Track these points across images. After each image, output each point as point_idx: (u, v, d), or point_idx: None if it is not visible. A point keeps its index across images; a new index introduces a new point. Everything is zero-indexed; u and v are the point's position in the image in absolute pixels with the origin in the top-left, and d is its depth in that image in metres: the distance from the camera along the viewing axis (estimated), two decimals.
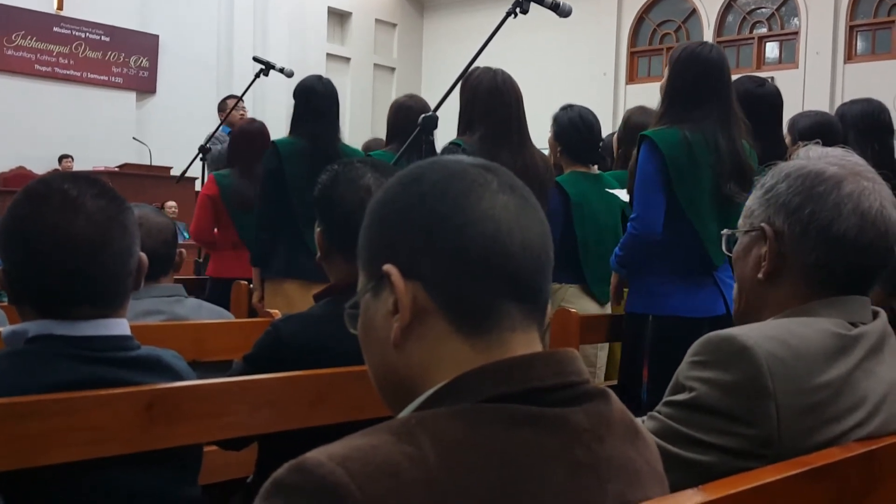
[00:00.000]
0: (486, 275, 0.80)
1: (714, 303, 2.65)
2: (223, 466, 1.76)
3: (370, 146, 4.53)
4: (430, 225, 0.82)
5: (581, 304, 3.22)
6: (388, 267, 0.82)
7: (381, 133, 5.58)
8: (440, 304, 0.81)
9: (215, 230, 4.02)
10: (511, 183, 0.85)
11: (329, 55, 12.83)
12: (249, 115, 5.72)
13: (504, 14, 2.88)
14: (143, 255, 1.35)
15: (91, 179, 1.31)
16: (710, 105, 2.64)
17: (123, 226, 1.28)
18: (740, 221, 1.33)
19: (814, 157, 1.26)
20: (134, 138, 10.11)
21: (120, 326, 1.30)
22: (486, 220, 0.81)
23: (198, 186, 7.17)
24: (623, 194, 3.26)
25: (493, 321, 0.81)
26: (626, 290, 2.94)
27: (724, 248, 1.38)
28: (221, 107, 6.42)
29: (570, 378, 0.80)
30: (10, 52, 10.08)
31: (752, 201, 1.30)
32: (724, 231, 1.38)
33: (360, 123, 12.06)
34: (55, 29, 10.40)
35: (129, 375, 1.29)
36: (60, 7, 10.42)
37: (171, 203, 8.34)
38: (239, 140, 4.08)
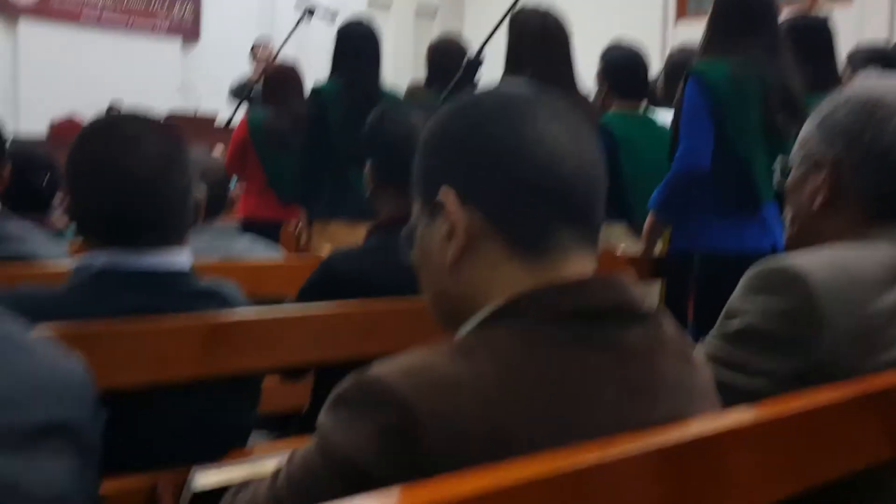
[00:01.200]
0: (539, 198, 0.82)
1: (761, 238, 2.62)
2: (280, 398, 1.82)
3: (413, 92, 4.53)
4: (484, 150, 0.83)
5: (627, 241, 3.22)
6: (443, 191, 0.83)
7: (420, 77, 5.55)
8: (495, 226, 0.82)
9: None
10: (563, 110, 0.86)
11: (370, 1, 12.71)
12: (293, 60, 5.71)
13: None
14: (202, 188, 1.39)
15: (148, 118, 1.35)
16: (757, 35, 2.59)
17: (181, 161, 1.32)
18: (794, 149, 1.32)
19: (871, 83, 1.23)
20: (181, 84, 10.19)
21: (183, 254, 1.34)
22: (539, 144, 0.82)
23: None
24: (661, 118, 3.22)
25: (547, 243, 0.82)
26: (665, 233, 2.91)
27: (777, 174, 1.36)
28: (253, 51, 6.43)
29: (624, 297, 0.82)
30: (56, 3, 10.16)
31: (808, 129, 1.28)
32: (780, 157, 1.37)
33: (402, 68, 11.98)
34: None
35: (192, 305, 1.33)
36: None
37: (220, 145, 8.42)
38: (271, 79, 4.08)
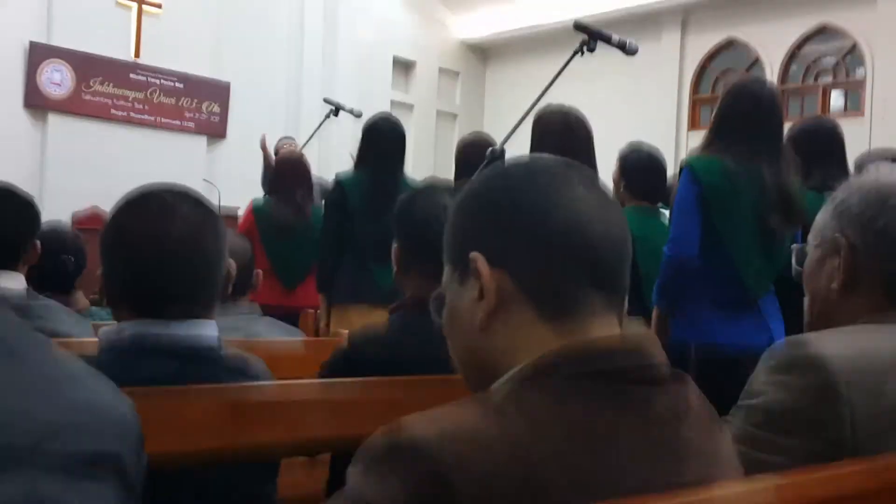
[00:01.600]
0: (567, 262, 0.85)
1: (758, 333, 2.62)
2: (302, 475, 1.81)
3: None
4: (515, 215, 0.86)
5: None
6: (474, 254, 0.86)
7: (444, 176, 5.67)
8: (524, 289, 0.85)
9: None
10: (591, 179, 0.90)
11: (393, 102, 13.09)
12: (317, 155, 5.87)
13: (570, 54, 2.95)
14: (232, 262, 1.43)
15: (185, 189, 1.40)
16: (758, 139, 2.64)
17: (215, 231, 1.36)
18: (810, 236, 1.35)
19: (884, 172, 1.28)
20: (204, 180, 10.41)
21: (210, 327, 1.36)
22: (568, 210, 0.85)
23: None
24: None
25: (574, 307, 0.85)
26: None
27: (794, 263, 1.40)
28: (277, 148, 6.61)
29: (650, 360, 0.83)
30: (87, 97, 10.50)
31: (824, 215, 1.32)
32: (795, 245, 1.40)
33: (423, 168, 12.23)
34: (132, 76, 10.81)
35: (217, 374, 1.35)
36: (137, 55, 10.85)
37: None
38: (278, 168, 4.20)
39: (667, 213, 3.47)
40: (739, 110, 2.67)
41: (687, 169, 2.64)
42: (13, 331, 0.51)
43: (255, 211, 4.08)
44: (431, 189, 1.75)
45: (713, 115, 2.77)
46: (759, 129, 2.65)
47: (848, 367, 1.09)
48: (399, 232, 1.75)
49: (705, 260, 2.61)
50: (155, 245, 1.30)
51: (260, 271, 2.37)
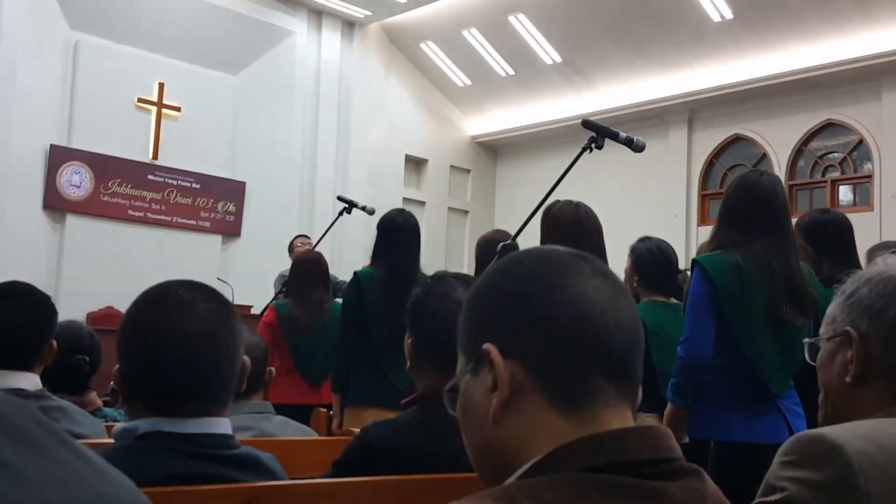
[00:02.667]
0: (580, 353, 0.85)
1: (778, 430, 2.58)
2: None
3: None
4: (527, 306, 0.87)
5: None
6: (487, 346, 0.87)
7: (455, 271, 5.69)
8: (537, 380, 0.85)
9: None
10: (603, 269, 0.91)
11: (405, 199, 13.28)
12: (330, 252, 5.94)
13: (579, 150, 3.02)
14: (247, 359, 1.43)
15: (202, 285, 1.42)
16: (764, 230, 2.66)
17: (231, 327, 1.37)
18: (822, 329, 1.35)
19: (892, 263, 1.29)
20: (218, 279, 10.49)
21: (223, 425, 1.36)
22: (581, 300, 0.86)
23: None
24: None
25: (588, 397, 0.85)
26: None
27: (807, 357, 1.39)
28: (291, 246, 6.69)
29: (664, 453, 0.83)
30: (105, 198, 10.71)
31: (834, 308, 1.32)
32: (807, 339, 1.40)
33: (435, 264, 12.31)
34: (149, 177, 11.05)
35: (230, 473, 1.34)
36: (156, 156, 11.11)
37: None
38: (295, 269, 4.25)
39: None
40: (742, 203, 2.70)
41: (698, 268, 2.65)
42: (35, 423, 0.52)
43: (277, 311, 4.13)
44: (445, 283, 1.76)
45: (720, 210, 2.80)
46: (763, 220, 2.67)
47: (866, 460, 1.07)
48: (412, 327, 1.75)
49: (722, 357, 2.59)
50: (172, 343, 1.31)
51: (273, 369, 2.38)
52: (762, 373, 2.58)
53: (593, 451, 0.81)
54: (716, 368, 2.62)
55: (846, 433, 1.12)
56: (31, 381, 1.93)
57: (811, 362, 1.36)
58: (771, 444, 2.59)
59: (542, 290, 0.87)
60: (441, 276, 1.80)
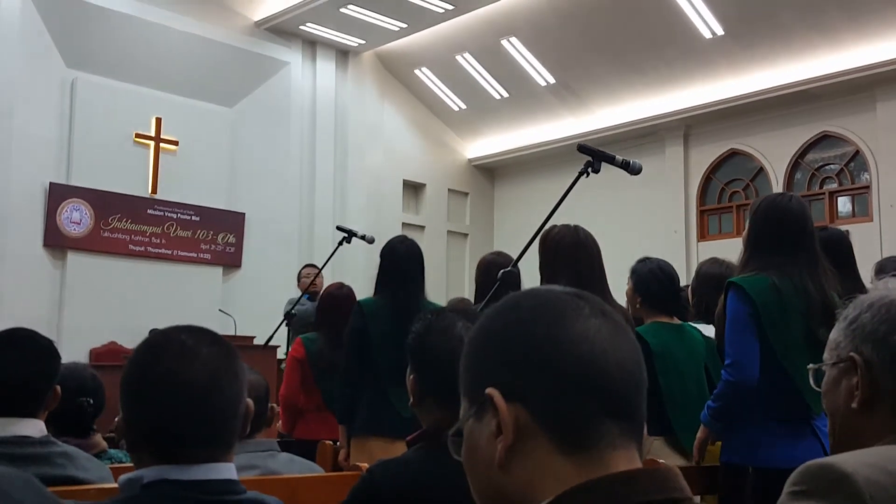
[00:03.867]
0: (583, 394, 0.85)
1: (815, 453, 2.57)
2: None
3: (455, 306, 4.64)
4: (528, 348, 0.87)
5: (667, 458, 3.15)
6: (490, 390, 0.87)
7: (456, 295, 5.69)
8: (541, 423, 0.85)
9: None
10: (602, 308, 0.91)
11: (404, 224, 13.30)
12: (329, 281, 5.94)
13: (576, 175, 3.03)
14: (250, 402, 1.43)
15: (203, 329, 1.42)
16: (795, 253, 2.66)
17: (234, 372, 1.37)
18: (826, 355, 1.35)
19: (893, 286, 1.29)
20: (220, 310, 10.47)
21: (228, 471, 1.36)
22: (581, 341, 0.86)
23: (280, 354, 7.36)
24: (707, 329, 3.25)
25: (593, 439, 0.84)
26: (714, 444, 2.87)
27: (811, 383, 1.39)
28: (300, 275, 6.68)
29: (673, 494, 0.83)
30: (106, 234, 10.73)
31: (836, 333, 1.32)
32: (811, 366, 1.40)
33: (436, 287, 12.29)
34: (149, 211, 11.07)
35: None
36: (154, 191, 11.14)
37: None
38: (325, 304, 4.24)
39: (687, 326, 3.45)
40: (771, 227, 2.70)
41: (735, 289, 2.63)
42: (39, 498, 0.52)
43: (306, 348, 4.10)
44: (445, 318, 1.75)
45: (745, 234, 2.79)
46: (793, 243, 2.67)
47: (875, 489, 1.07)
48: (414, 363, 1.75)
49: (762, 378, 2.58)
50: (175, 390, 1.31)
51: (275, 405, 2.37)
52: (802, 391, 2.56)
53: (601, 495, 0.80)
54: (751, 389, 2.60)
55: (854, 461, 1.11)
56: (36, 427, 1.93)
57: (816, 388, 1.36)
58: None
59: (542, 332, 0.87)
60: (440, 312, 1.80)
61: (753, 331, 2.59)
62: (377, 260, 3.77)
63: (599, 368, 0.85)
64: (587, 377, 0.85)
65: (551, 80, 12.32)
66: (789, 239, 2.68)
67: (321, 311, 4.26)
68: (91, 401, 2.50)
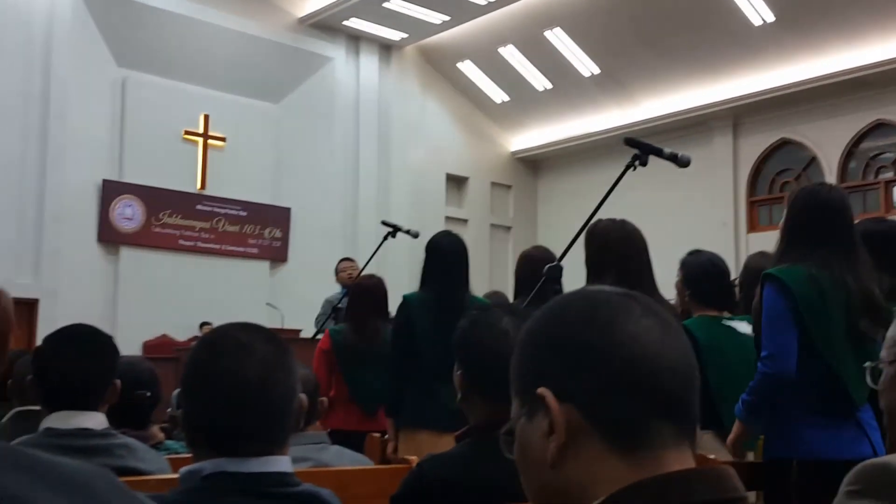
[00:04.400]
0: (635, 394, 0.85)
1: (859, 444, 2.53)
2: None
3: (492, 299, 4.65)
4: (579, 349, 0.88)
5: (717, 452, 3.13)
6: (542, 390, 0.87)
7: (499, 288, 5.69)
8: (593, 423, 0.85)
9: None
10: (653, 308, 0.91)
11: (447, 218, 13.33)
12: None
13: (622, 168, 3.01)
14: (303, 396, 1.46)
15: (258, 327, 1.45)
16: (832, 244, 2.61)
17: (288, 368, 1.41)
18: (883, 353, 1.33)
19: None
20: (267, 304, 10.62)
21: (283, 463, 1.39)
22: (632, 342, 0.87)
23: None
24: (743, 327, 3.21)
25: (645, 439, 0.85)
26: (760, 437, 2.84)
27: (868, 381, 1.37)
28: (337, 269, 6.71)
29: (728, 494, 0.83)
30: (156, 230, 10.95)
31: (895, 331, 1.30)
32: (868, 364, 1.38)
33: (479, 280, 12.29)
34: (198, 207, 11.27)
35: None
36: (203, 186, 11.33)
37: None
38: (354, 294, 4.26)
39: (738, 323, 3.41)
40: (810, 218, 2.65)
41: (773, 281, 2.59)
42: (119, 492, 0.55)
43: (333, 339, 4.14)
44: (490, 314, 1.77)
45: (782, 225, 2.75)
46: (832, 234, 2.63)
47: None
48: (460, 360, 1.77)
49: (802, 371, 2.54)
50: (232, 387, 1.35)
51: (325, 399, 2.41)
52: (845, 383, 2.53)
53: (655, 494, 0.81)
54: (792, 384, 2.57)
55: None
56: (97, 420, 1.99)
57: (873, 386, 1.34)
58: (854, 459, 2.53)
59: (594, 333, 0.87)
60: (485, 307, 1.82)
61: (791, 323, 2.55)
62: (420, 254, 3.79)
63: (651, 369, 0.86)
64: (639, 377, 0.85)
65: (596, 71, 12.22)
66: (827, 230, 2.63)
67: (350, 301, 4.28)
68: (148, 394, 2.56)
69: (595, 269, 3.06)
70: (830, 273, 2.57)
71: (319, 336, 5.03)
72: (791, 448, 2.58)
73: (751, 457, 3.16)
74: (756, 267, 3.48)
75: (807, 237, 2.64)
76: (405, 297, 3.69)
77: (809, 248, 2.62)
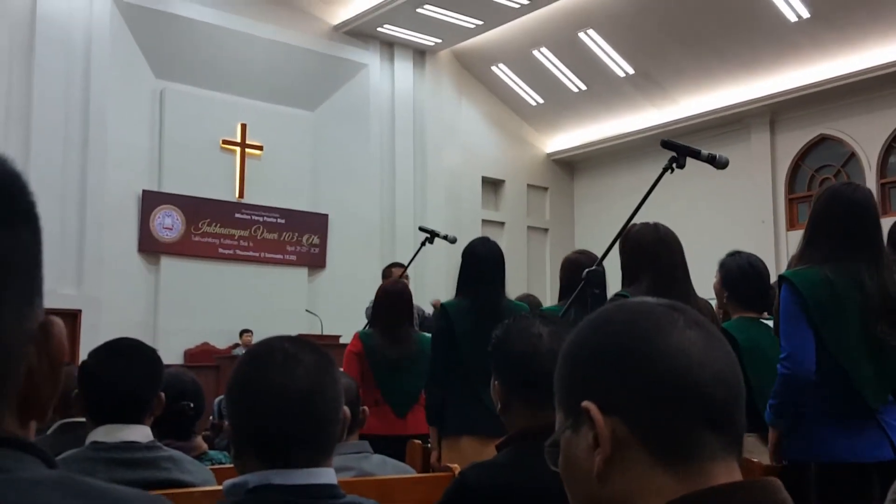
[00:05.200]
0: (681, 406, 0.85)
1: (880, 446, 2.48)
2: None
3: (528, 302, 4.64)
4: (623, 362, 0.87)
5: (760, 454, 3.09)
6: (586, 403, 0.87)
7: (536, 291, 5.67)
8: (639, 435, 0.85)
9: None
10: (697, 319, 0.91)
11: (484, 221, 13.33)
12: (412, 280, 5.99)
13: (660, 171, 2.99)
14: (347, 409, 1.47)
15: (303, 339, 1.47)
16: (856, 245, 2.57)
17: (333, 378, 1.42)
18: None
19: None
20: (306, 310, 10.70)
21: (329, 475, 1.40)
22: (677, 353, 0.86)
23: None
24: None
25: (692, 451, 0.84)
26: None
27: None
28: (385, 274, 6.72)
29: None
30: (196, 239, 11.08)
31: None
32: None
33: (516, 283, 12.28)
34: (236, 215, 11.39)
35: None
36: (241, 195, 11.45)
37: None
38: (380, 299, 4.28)
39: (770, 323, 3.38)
40: (833, 217, 2.62)
41: (786, 284, 2.58)
42: None
43: (363, 343, 4.17)
44: (522, 320, 1.78)
45: (806, 224, 2.72)
46: (855, 235, 2.59)
47: None
48: (497, 369, 1.77)
49: (819, 373, 2.52)
50: (279, 395, 1.36)
51: (366, 408, 2.42)
52: (860, 387, 2.50)
53: None
54: (808, 383, 2.55)
55: None
56: (142, 433, 2.02)
57: None
58: (875, 463, 2.49)
59: (638, 344, 0.87)
60: (518, 315, 1.83)
61: (805, 324, 2.53)
62: (458, 259, 3.80)
63: (696, 380, 0.85)
64: (684, 389, 0.85)
65: (630, 71, 12.15)
66: (850, 230, 2.58)
67: (375, 306, 4.30)
68: (192, 405, 2.60)
69: (629, 272, 3.05)
70: (848, 274, 2.53)
71: None
72: (810, 450, 2.55)
73: None
74: None
75: (829, 237, 2.60)
76: (443, 305, 3.70)
77: (829, 249, 2.58)
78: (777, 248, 11.11)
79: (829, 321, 2.52)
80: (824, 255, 2.57)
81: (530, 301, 4.55)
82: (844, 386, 2.52)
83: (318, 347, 1.45)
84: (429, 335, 4.00)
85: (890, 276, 2.56)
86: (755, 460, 2.51)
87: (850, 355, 2.52)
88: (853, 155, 11.08)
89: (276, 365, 1.39)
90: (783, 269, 3.78)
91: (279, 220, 11.66)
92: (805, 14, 10.28)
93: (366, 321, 5.47)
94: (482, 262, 3.69)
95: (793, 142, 11.59)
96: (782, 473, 2.61)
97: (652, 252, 3.02)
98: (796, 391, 2.54)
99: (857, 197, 2.63)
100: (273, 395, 1.37)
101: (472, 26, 11.86)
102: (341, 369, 4.76)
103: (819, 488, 2.47)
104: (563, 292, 3.71)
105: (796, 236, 11.33)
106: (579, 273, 3.39)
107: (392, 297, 4.27)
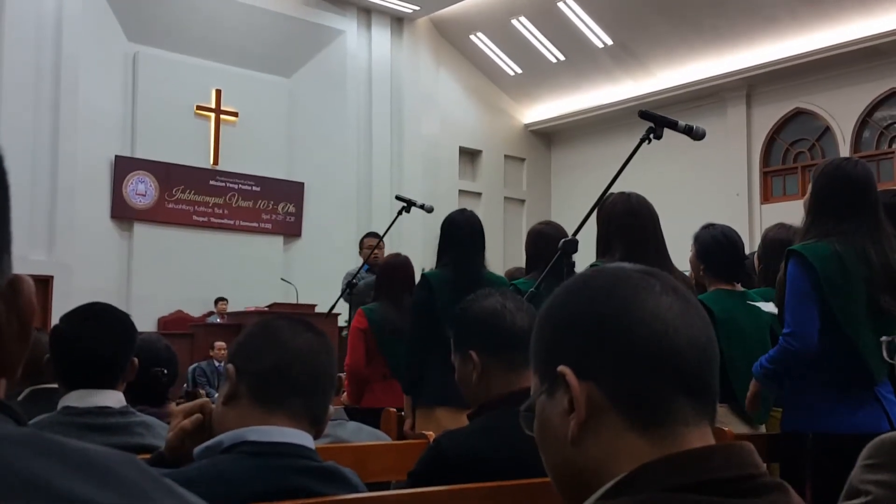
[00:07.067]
0: (655, 371, 0.85)
1: (877, 419, 2.53)
2: None
3: (513, 274, 4.65)
4: (599, 327, 0.88)
5: (732, 425, 3.13)
6: (562, 368, 0.88)
7: (513, 262, 5.69)
8: (614, 400, 0.86)
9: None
10: (673, 285, 0.91)
11: (461, 191, 13.31)
12: (388, 250, 5.96)
13: (637, 139, 2.99)
14: (342, 375, 1.50)
15: (299, 317, 1.55)
16: (858, 219, 2.61)
17: (329, 348, 1.49)
18: None
19: None
20: (282, 279, 10.65)
21: (306, 439, 1.41)
22: (653, 319, 0.86)
23: (341, 322, 7.47)
24: (767, 307, 3.21)
25: (666, 416, 0.85)
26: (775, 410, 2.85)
27: (885, 355, 1.37)
28: (361, 244, 6.69)
29: (748, 470, 0.83)
30: (170, 206, 10.97)
31: None
32: (884, 338, 1.38)
33: (493, 254, 12.28)
34: (211, 182, 11.28)
35: (314, 485, 1.38)
36: (216, 162, 11.33)
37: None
38: (384, 273, 4.28)
39: (751, 293, 3.40)
40: (835, 192, 2.65)
41: (797, 257, 2.60)
42: (142, 474, 0.55)
43: (369, 318, 4.15)
44: (478, 295, 1.82)
45: (807, 199, 2.75)
46: (857, 209, 2.63)
47: None
48: (468, 337, 1.80)
49: (821, 345, 2.55)
50: (291, 342, 1.44)
51: (342, 375, 2.42)
52: (864, 358, 2.54)
53: (676, 471, 0.81)
54: (809, 359, 2.58)
55: None
56: (115, 398, 2.00)
57: (889, 360, 1.34)
58: (871, 434, 2.53)
59: (614, 310, 0.87)
60: (475, 293, 1.89)
61: (814, 300, 2.56)
62: (435, 229, 3.79)
63: (671, 346, 0.85)
64: (659, 355, 0.85)
65: (609, 42, 12.12)
66: (852, 205, 2.62)
67: (379, 279, 4.30)
68: (165, 371, 2.58)
69: (603, 243, 3.06)
70: (854, 247, 2.57)
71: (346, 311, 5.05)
72: (808, 421, 2.59)
73: (762, 430, 3.17)
74: (775, 239, 3.46)
75: (831, 212, 2.64)
76: (424, 275, 3.70)
77: (834, 223, 2.61)
78: (751, 220, 11.20)
79: (839, 295, 2.56)
80: (829, 230, 2.61)
81: (517, 274, 4.55)
82: (847, 359, 2.56)
83: (312, 325, 1.53)
84: None
85: (891, 248, 2.60)
86: (726, 430, 2.55)
87: (858, 328, 2.55)
88: (828, 129, 11.16)
89: (280, 327, 1.47)
90: (757, 241, 3.81)
91: (254, 188, 11.57)
92: None
93: (342, 289, 5.46)
94: (461, 234, 3.68)
95: (768, 115, 11.64)
96: (779, 444, 2.65)
97: (624, 223, 3.03)
98: (794, 365, 2.59)
99: (858, 172, 2.67)
100: (285, 340, 1.44)
101: None
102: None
103: (815, 458, 2.51)
104: (530, 263, 3.72)
105: (770, 209, 11.46)
106: (545, 244, 3.39)
107: (396, 270, 4.26)
